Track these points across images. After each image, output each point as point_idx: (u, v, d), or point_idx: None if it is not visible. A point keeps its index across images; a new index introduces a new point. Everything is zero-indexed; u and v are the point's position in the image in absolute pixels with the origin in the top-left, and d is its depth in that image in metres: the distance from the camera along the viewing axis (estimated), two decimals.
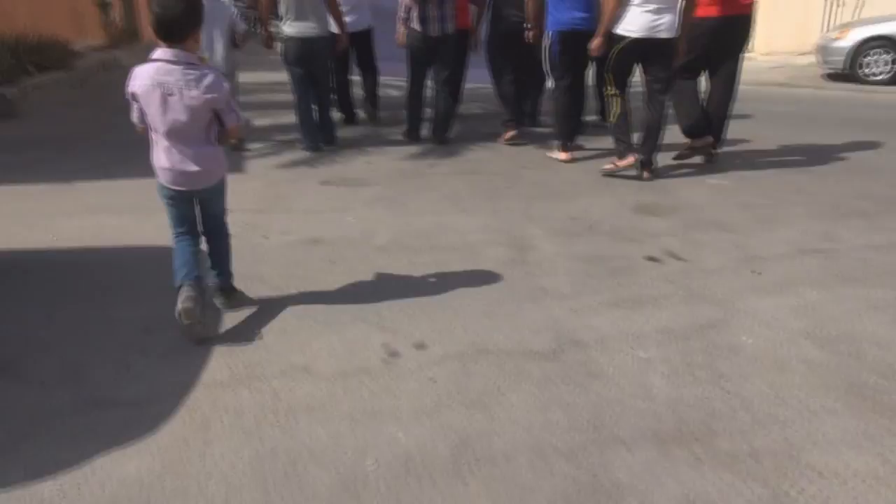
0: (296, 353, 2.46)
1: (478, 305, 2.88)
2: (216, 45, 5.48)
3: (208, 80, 2.42)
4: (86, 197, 4.23)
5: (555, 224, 3.93)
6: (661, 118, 4.80)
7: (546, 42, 5.17)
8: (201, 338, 2.53)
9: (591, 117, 6.45)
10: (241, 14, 6.59)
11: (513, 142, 6.02)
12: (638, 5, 4.47)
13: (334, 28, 5.67)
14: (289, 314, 2.76)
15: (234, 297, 2.83)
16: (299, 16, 5.35)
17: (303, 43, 5.41)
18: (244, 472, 1.85)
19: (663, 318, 2.80)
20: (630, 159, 4.85)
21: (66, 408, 2.10)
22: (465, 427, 2.06)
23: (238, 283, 2.95)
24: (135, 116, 2.51)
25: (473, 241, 3.64)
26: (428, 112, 6.21)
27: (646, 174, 4.85)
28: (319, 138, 5.77)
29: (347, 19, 5.90)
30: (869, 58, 10.06)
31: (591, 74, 5.52)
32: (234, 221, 3.58)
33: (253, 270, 3.14)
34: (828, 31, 11.91)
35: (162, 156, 2.50)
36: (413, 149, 5.81)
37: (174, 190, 2.56)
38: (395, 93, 7.43)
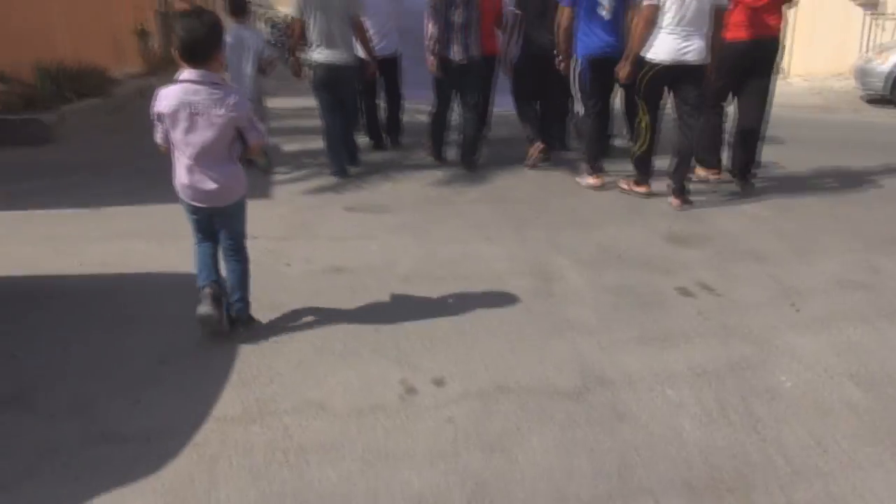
0: (311, 387, 2.39)
1: (500, 339, 2.78)
2: (245, 71, 5.63)
3: (233, 98, 2.52)
4: (115, 222, 4.26)
5: (582, 253, 3.82)
6: (692, 144, 4.71)
7: (576, 68, 5.14)
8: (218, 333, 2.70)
9: (618, 140, 6.35)
10: (272, 41, 6.71)
11: (541, 158, 5.95)
12: (666, 31, 4.44)
13: (362, 53, 5.71)
14: (307, 346, 2.69)
15: (250, 328, 2.78)
16: (328, 43, 5.40)
17: (331, 69, 5.46)
18: None
19: (695, 355, 2.66)
20: (645, 188, 4.93)
21: (74, 442, 2.05)
22: (483, 472, 1.96)
23: (258, 312, 2.92)
24: (159, 137, 2.60)
25: (498, 270, 3.55)
26: (454, 136, 6.19)
27: (675, 202, 4.72)
28: (348, 162, 5.77)
29: (376, 45, 5.94)
30: None
31: (617, 99, 5.45)
32: (257, 248, 3.58)
33: (274, 299, 3.09)
34: (867, 53, 11.64)
35: (183, 173, 2.59)
36: (439, 175, 5.76)
37: (195, 206, 2.66)
38: (422, 118, 7.44)
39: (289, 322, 2.90)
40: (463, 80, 5.76)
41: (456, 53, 5.62)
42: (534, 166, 5.98)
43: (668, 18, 4.42)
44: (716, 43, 4.52)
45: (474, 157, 6.00)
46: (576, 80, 5.18)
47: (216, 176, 2.59)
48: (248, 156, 2.79)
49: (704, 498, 1.87)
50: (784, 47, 5.05)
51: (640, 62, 4.59)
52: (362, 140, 6.65)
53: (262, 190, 5.14)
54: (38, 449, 2.02)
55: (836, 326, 2.92)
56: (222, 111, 2.49)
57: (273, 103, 7.48)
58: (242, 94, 2.61)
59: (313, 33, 5.40)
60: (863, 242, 4.02)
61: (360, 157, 6.08)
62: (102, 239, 3.91)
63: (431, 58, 5.71)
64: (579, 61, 5.10)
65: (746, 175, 5.19)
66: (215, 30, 2.52)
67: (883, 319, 2.98)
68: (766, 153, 5.27)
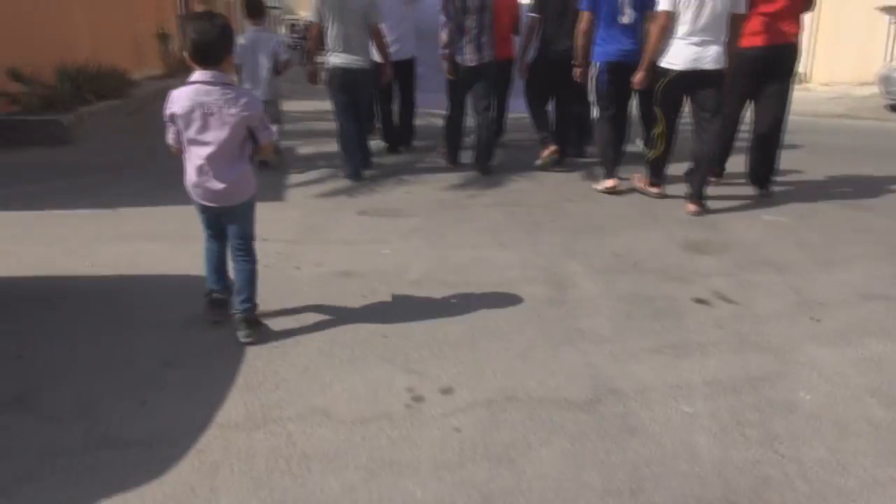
0: (316, 394, 2.35)
1: (511, 347, 2.72)
2: (261, 72, 5.73)
3: (244, 98, 2.57)
4: (127, 223, 4.26)
5: (597, 260, 3.75)
6: (709, 150, 4.64)
7: (593, 72, 5.12)
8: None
9: (634, 147, 6.28)
10: (291, 44, 6.78)
11: (554, 161, 5.97)
12: (681, 38, 4.42)
13: (378, 58, 5.72)
14: (314, 351, 2.66)
15: (257, 331, 2.75)
16: (346, 47, 5.44)
17: (347, 73, 5.51)
18: None
19: (711, 367, 2.59)
20: (658, 189, 4.98)
21: (76, 446, 2.02)
22: (489, 484, 1.90)
23: (266, 316, 2.90)
24: (170, 138, 2.63)
25: (510, 277, 3.49)
26: (470, 140, 6.16)
27: (693, 208, 4.65)
28: (361, 165, 5.76)
29: (392, 49, 5.95)
30: None
31: (634, 105, 5.39)
32: (268, 251, 3.57)
33: (282, 303, 3.07)
34: (891, 60, 11.43)
35: (194, 173, 2.62)
36: (454, 179, 5.72)
37: (204, 205, 2.70)
38: (438, 121, 7.42)
39: (296, 327, 2.86)
40: (476, 84, 5.74)
41: (469, 57, 5.61)
42: (543, 167, 5.98)
43: (683, 25, 4.40)
44: (732, 50, 4.48)
45: (489, 162, 5.96)
46: (593, 85, 5.14)
47: (226, 176, 2.61)
48: (258, 156, 2.81)
49: None
50: (800, 54, 4.99)
51: (656, 70, 4.57)
52: (376, 143, 6.64)
53: (275, 192, 5.14)
54: (40, 452, 2.00)
55: (857, 339, 2.83)
56: (234, 111, 2.53)
57: (288, 106, 7.51)
58: (253, 94, 2.63)
59: (331, 37, 5.44)
60: (886, 252, 3.92)
61: (373, 160, 6.07)
62: (115, 240, 3.91)
63: (447, 63, 5.71)
64: (597, 66, 5.07)
65: (765, 183, 5.11)
66: (226, 32, 2.54)
67: None
68: (786, 160, 5.18)
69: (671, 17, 4.41)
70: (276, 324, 2.86)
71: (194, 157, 2.60)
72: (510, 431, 2.16)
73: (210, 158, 2.57)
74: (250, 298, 2.77)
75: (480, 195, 5.22)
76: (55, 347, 2.64)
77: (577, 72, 5.33)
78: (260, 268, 3.12)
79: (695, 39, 4.38)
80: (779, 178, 5.32)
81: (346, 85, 5.54)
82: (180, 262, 3.49)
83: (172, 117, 2.57)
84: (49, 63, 7.73)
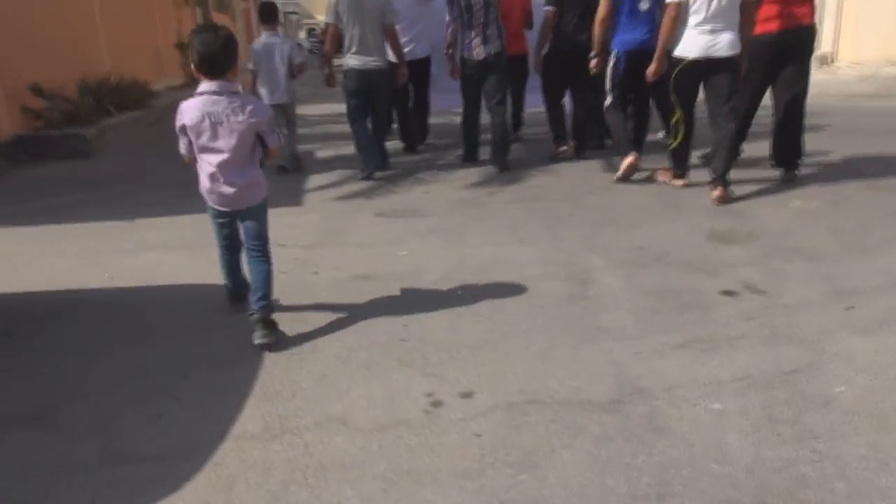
0: (333, 401, 2.31)
1: (532, 347, 2.65)
2: (277, 76, 5.75)
3: (251, 105, 2.65)
4: (146, 233, 4.27)
5: (619, 254, 3.66)
6: (728, 134, 4.56)
7: (612, 60, 5.11)
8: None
9: (657, 135, 6.18)
10: (310, 48, 6.83)
11: (566, 155, 6.09)
12: (694, 27, 4.43)
13: (393, 58, 5.72)
14: (331, 358, 2.62)
15: (273, 333, 2.73)
16: (362, 48, 5.48)
17: (363, 74, 5.55)
18: None
19: (741, 362, 2.49)
20: (682, 181, 4.92)
21: (93, 461, 2.01)
22: (510, 492, 1.84)
23: (283, 322, 2.87)
24: (183, 148, 2.73)
25: (531, 274, 3.42)
26: (488, 137, 6.10)
27: (717, 193, 4.54)
28: (375, 164, 5.78)
29: (406, 49, 5.96)
30: None
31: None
32: (285, 257, 3.56)
33: (300, 310, 3.04)
34: None
35: (207, 180, 2.70)
36: (472, 176, 5.65)
37: (220, 210, 2.79)
38: (457, 119, 7.38)
39: (314, 333, 2.82)
40: (487, 79, 5.71)
41: (476, 51, 5.59)
42: (553, 159, 6.08)
43: (695, 14, 4.42)
44: (746, 38, 4.48)
45: (506, 157, 5.89)
46: (611, 73, 5.12)
47: (238, 180, 2.69)
48: (268, 160, 2.87)
49: None
50: (816, 35, 4.90)
51: (670, 59, 4.57)
52: (393, 144, 6.61)
53: (293, 197, 5.13)
54: (58, 468, 1.98)
55: (894, 328, 2.70)
56: (242, 118, 2.60)
57: (306, 110, 7.53)
58: (259, 101, 2.76)
59: (347, 39, 5.48)
60: None
61: (391, 161, 6.04)
62: (134, 251, 3.92)
63: (450, 63, 5.85)
64: (616, 54, 5.06)
65: (791, 165, 5.02)
66: (230, 43, 2.61)
67: None
68: (814, 143, 5.03)
69: (682, 8, 4.43)
70: (293, 330, 2.83)
71: (206, 165, 2.68)
72: (532, 435, 2.09)
73: (221, 165, 2.65)
74: (266, 297, 2.78)
75: (499, 192, 5.15)
76: (72, 362, 2.63)
77: (593, 62, 5.24)
78: (277, 274, 3.12)
79: (707, 27, 4.40)
80: (807, 162, 5.18)
81: (363, 86, 5.58)
82: (198, 271, 3.48)
83: (183, 129, 2.65)
84: (71, 77, 7.83)
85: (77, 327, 2.95)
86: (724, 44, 4.40)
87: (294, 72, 5.84)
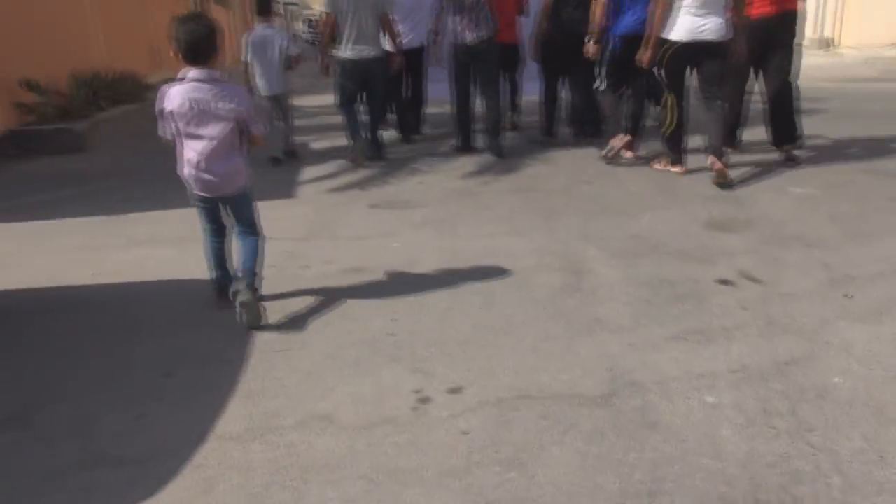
0: (319, 399, 2.26)
1: (524, 340, 2.60)
2: (272, 68, 5.73)
3: (234, 93, 2.69)
4: (135, 228, 4.22)
5: (615, 244, 3.60)
6: (719, 115, 4.63)
7: (608, 45, 5.14)
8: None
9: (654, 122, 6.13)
10: (309, 38, 6.82)
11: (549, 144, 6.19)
12: (684, 10, 4.46)
13: (388, 47, 5.71)
14: (318, 354, 2.57)
15: (254, 305, 2.74)
16: (359, 37, 5.49)
17: (359, 64, 5.57)
18: None
19: (736, 353, 2.44)
20: (680, 168, 4.88)
21: (71, 465, 1.96)
22: (497, 491, 1.79)
23: (271, 317, 2.83)
24: (164, 130, 2.75)
25: (525, 265, 3.36)
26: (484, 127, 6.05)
27: (712, 162, 4.53)
28: (370, 156, 5.79)
29: (404, 40, 5.96)
30: None
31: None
32: (276, 250, 3.51)
33: (288, 305, 2.99)
34: None
35: (189, 165, 2.73)
36: (468, 166, 5.59)
37: (202, 196, 2.82)
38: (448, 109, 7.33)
39: (301, 328, 2.77)
40: (476, 64, 5.71)
41: (467, 36, 5.58)
42: (544, 144, 6.15)
43: None
44: (738, 21, 4.53)
45: (500, 142, 5.86)
46: (607, 57, 5.15)
47: (220, 167, 2.73)
48: (254, 147, 2.89)
49: None
50: (797, 19, 5.02)
51: (660, 42, 4.60)
52: (389, 134, 6.55)
53: (286, 189, 5.07)
54: (34, 473, 1.93)
55: (894, 317, 2.65)
56: (225, 106, 2.65)
57: (304, 101, 7.45)
58: (243, 88, 2.80)
59: (344, 28, 5.47)
60: None
61: (385, 152, 5.98)
62: (121, 247, 3.87)
63: (434, 52, 5.92)
64: (613, 38, 5.08)
65: (789, 145, 5.04)
66: (213, 32, 2.65)
67: None
68: (814, 127, 4.97)
69: None
70: (280, 326, 2.79)
71: (189, 151, 2.71)
72: (521, 432, 2.04)
73: (204, 152, 2.69)
74: (252, 262, 2.85)
75: (494, 181, 5.09)
76: (54, 361, 2.58)
77: (589, 47, 5.18)
78: (267, 269, 3.09)
79: (696, 11, 4.44)
80: (807, 147, 5.12)
81: (359, 76, 5.60)
82: (186, 266, 3.42)
83: (166, 113, 2.67)
84: (64, 71, 7.76)
85: (60, 325, 2.90)
86: (712, 27, 4.44)
87: (289, 64, 5.80)
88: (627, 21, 4.97)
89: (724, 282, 3.07)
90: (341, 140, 6.36)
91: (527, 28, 6.29)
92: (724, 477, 1.82)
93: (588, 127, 6.17)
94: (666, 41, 4.55)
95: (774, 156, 5.14)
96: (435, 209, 4.43)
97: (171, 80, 2.75)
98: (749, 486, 1.78)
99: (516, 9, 6.31)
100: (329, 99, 8.60)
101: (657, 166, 5.06)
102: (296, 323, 2.82)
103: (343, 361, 2.50)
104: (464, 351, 2.54)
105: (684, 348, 2.50)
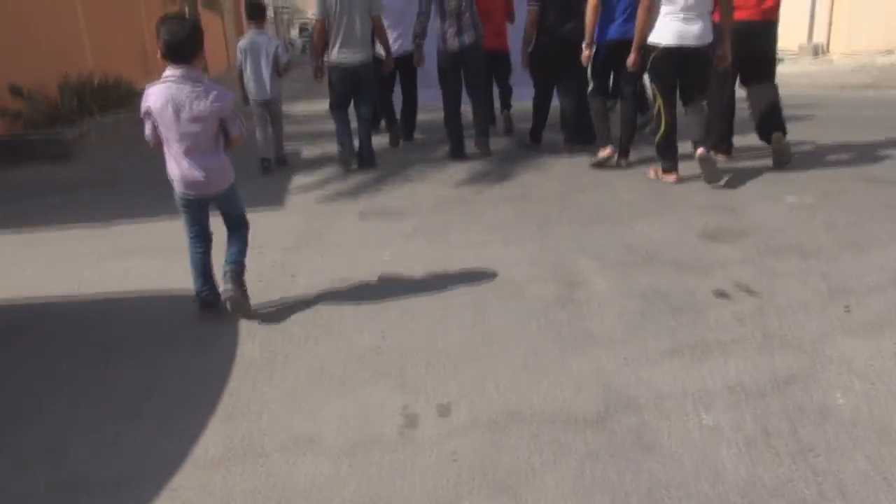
0: (303, 420, 2.17)
1: (515, 356, 2.52)
2: (263, 74, 5.71)
3: (214, 92, 2.70)
4: (120, 238, 4.13)
5: (608, 254, 3.53)
6: (700, 108, 4.68)
7: (597, 50, 5.17)
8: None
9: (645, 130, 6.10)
10: (304, 45, 6.79)
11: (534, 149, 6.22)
12: (668, 15, 4.48)
13: (379, 50, 5.70)
14: (303, 370, 2.49)
15: (240, 291, 2.83)
16: (349, 42, 5.45)
17: (349, 70, 5.53)
18: None
19: (733, 369, 2.37)
20: (674, 176, 4.83)
21: (40, 490, 1.87)
22: None
23: (256, 332, 2.76)
24: (148, 132, 2.76)
25: (516, 277, 3.29)
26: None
27: (700, 154, 4.55)
28: (360, 162, 5.81)
29: (395, 45, 5.94)
30: None
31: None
32: (263, 261, 3.44)
33: (273, 318, 2.91)
34: None
35: (174, 166, 2.76)
36: (460, 173, 5.52)
37: (188, 198, 2.82)
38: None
39: (287, 344, 2.69)
40: (464, 69, 5.73)
41: (451, 42, 5.59)
42: (535, 150, 6.17)
43: (668, 3, 4.46)
44: (726, 26, 4.55)
45: (487, 141, 5.95)
46: (597, 62, 5.23)
47: (204, 166, 2.75)
48: (230, 148, 2.88)
49: None
50: (777, 26, 5.07)
51: (646, 47, 4.62)
52: (380, 140, 6.49)
53: (276, 197, 4.99)
54: (3, 499, 1.85)
55: (894, 330, 2.58)
56: (205, 105, 2.66)
57: (296, 107, 7.36)
58: (222, 89, 2.75)
59: (335, 32, 5.43)
60: None
61: (374, 160, 5.90)
62: (106, 258, 3.77)
63: (417, 55, 5.89)
64: (597, 43, 5.12)
65: (777, 128, 5.00)
66: (196, 32, 2.68)
67: None
68: (807, 134, 4.93)
69: None
70: (268, 341, 2.71)
71: (172, 151, 2.74)
72: (512, 455, 1.96)
73: (187, 151, 2.71)
74: (241, 253, 2.92)
75: (486, 190, 5.02)
76: (30, 379, 2.49)
77: (585, 53, 5.16)
78: (253, 281, 3.02)
79: (680, 16, 4.46)
80: (801, 154, 5.09)
81: (348, 80, 5.57)
82: (171, 277, 3.34)
83: (148, 112, 2.69)
84: (52, 77, 7.65)
85: (37, 340, 2.81)
86: (696, 32, 4.46)
87: (280, 70, 5.74)
88: (610, 27, 5.05)
89: (719, 293, 3.00)
90: (333, 147, 6.29)
91: (513, 35, 6.25)
92: (723, 502, 1.75)
93: (581, 134, 6.10)
94: (651, 45, 4.57)
95: (768, 163, 5.09)
96: (426, 218, 4.36)
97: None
98: None
99: (505, 17, 6.29)
100: (320, 105, 8.55)
101: (650, 175, 5.01)
102: (281, 336, 2.74)
103: (328, 378, 2.42)
104: (453, 366, 2.46)
105: (680, 364, 2.43)
